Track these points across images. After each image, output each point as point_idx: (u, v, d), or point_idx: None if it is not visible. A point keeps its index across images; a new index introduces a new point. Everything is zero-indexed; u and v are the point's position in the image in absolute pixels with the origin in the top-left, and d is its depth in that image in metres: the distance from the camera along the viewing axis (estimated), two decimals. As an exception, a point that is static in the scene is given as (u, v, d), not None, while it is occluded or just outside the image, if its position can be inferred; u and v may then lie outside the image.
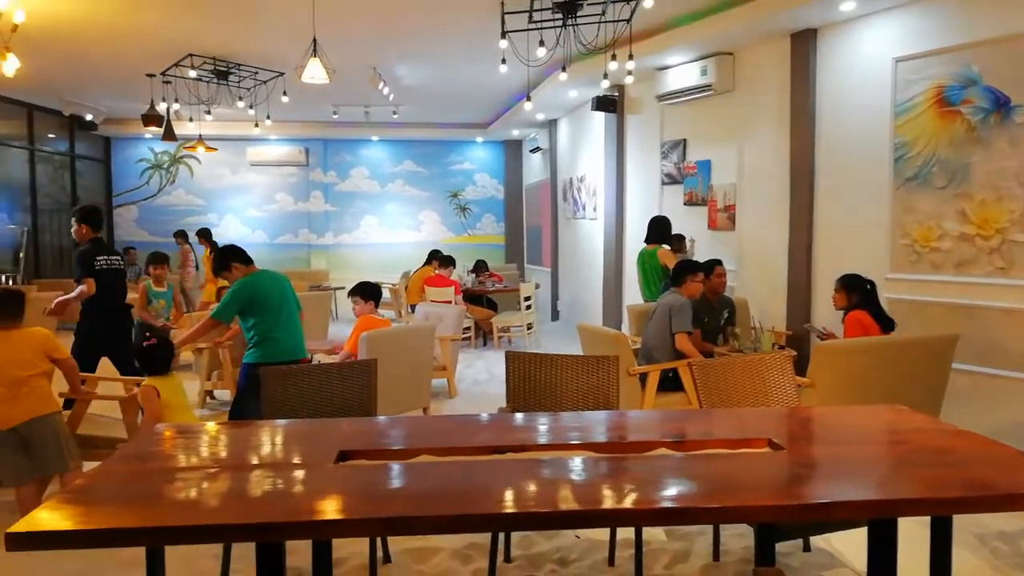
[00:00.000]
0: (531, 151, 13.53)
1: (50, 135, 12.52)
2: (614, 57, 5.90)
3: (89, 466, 4.71)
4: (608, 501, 2.02)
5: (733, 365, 3.50)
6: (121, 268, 5.97)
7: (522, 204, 15.16)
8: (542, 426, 2.77)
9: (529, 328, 9.66)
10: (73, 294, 5.58)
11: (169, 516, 1.94)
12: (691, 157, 7.88)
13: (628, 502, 1.99)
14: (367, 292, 6.07)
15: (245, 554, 3.27)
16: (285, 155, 14.49)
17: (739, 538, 3.66)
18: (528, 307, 9.64)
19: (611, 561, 3.45)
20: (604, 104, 8.86)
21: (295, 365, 4.59)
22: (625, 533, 3.58)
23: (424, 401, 5.96)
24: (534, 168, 14.08)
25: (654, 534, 3.69)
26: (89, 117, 12.20)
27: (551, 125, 12.12)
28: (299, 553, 3.44)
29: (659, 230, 7.05)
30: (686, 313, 5.19)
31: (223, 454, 2.47)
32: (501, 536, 3.42)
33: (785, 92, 6.50)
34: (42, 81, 9.76)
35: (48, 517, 1.90)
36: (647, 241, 7.15)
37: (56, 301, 5.67)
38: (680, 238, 7.15)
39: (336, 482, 2.13)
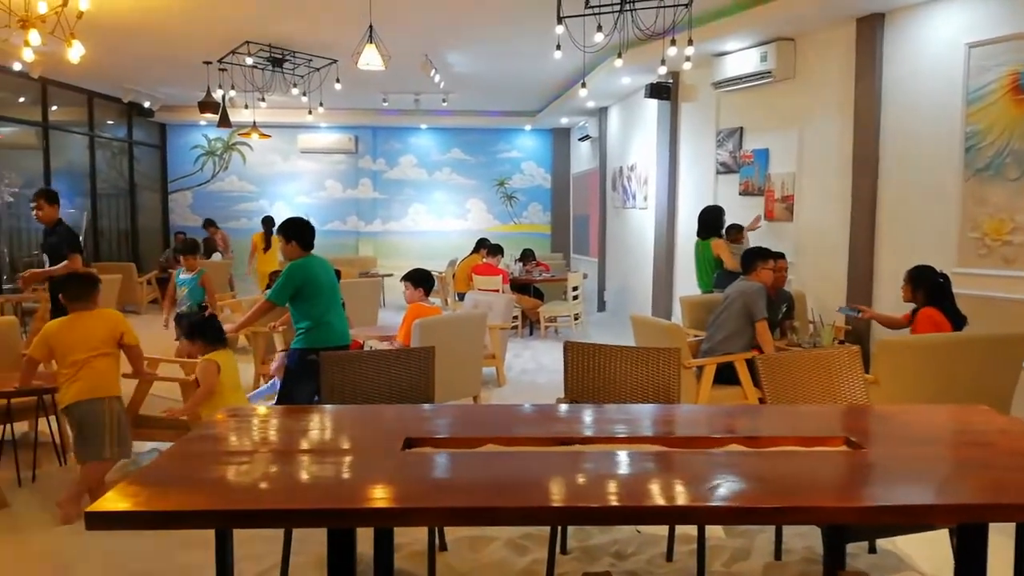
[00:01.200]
0: (580, 139, 13.41)
1: (109, 121, 12.83)
2: (673, 42, 5.77)
3: (141, 447, 4.82)
4: (681, 498, 1.96)
5: (800, 360, 3.40)
6: None
7: (569, 193, 15.05)
8: (609, 418, 2.72)
9: (576, 318, 9.60)
10: (60, 267, 5.65)
11: (238, 500, 1.95)
12: (748, 146, 7.70)
13: (701, 499, 1.94)
14: (418, 279, 6.08)
15: (303, 537, 3.31)
16: (335, 143, 14.62)
17: (800, 537, 3.56)
18: (575, 297, 9.57)
19: (669, 556, 3.39)
20: (658, 91, 8.71)
21: (350, 350, 4.64)
22: (683, 528, 3.52)
23: (475, 389, 5.96)
24: (582, 157, 13.95)
25: (713, 530, 3.61)
26: (147, 104, 12.46)
27: (601, 113, 11.98)
28: (358, 537, 3.47)
29: (708, 224, 6.91)
30: (763, 300, 5.05)
31: (290, 439, 2.48)
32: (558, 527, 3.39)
33: (849, 79, 6.29)
34: (102, 68, 9.98)
35: (123, 498, 1.92)
36: (699, 235, 7.02)
37: (31, 271, 5.90)
38: (737, 228, 6.99)
39: (404, 469, 2.12)
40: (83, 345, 3.78)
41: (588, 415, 2.83)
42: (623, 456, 2.23)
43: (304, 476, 2.07)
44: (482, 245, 10.10)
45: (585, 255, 13.51)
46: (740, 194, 7.74)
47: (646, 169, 9.78)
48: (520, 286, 9.87)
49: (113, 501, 1.88)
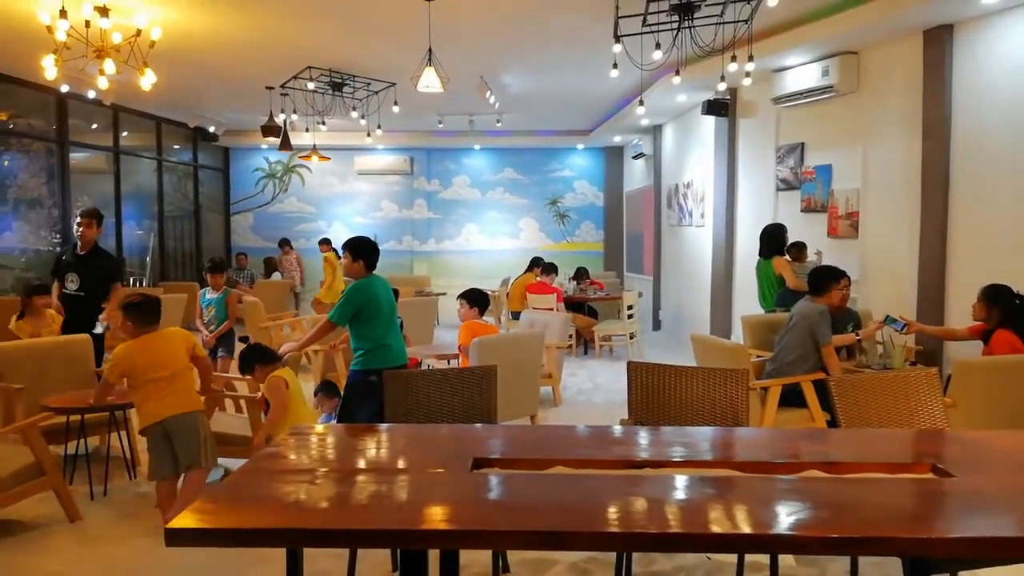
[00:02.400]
0: (633, 157, 13.34)
1: (176, 146, 13.29)
2: (734, 58, 5.70)
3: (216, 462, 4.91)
4: (757, 525, 1.89)
5: (875, 382, 3.28)
6: None
7: (622, 211, 14.97)
8: (678, 441, 2.65)
9: (632, 337, 9.49)
10: (117, 297, 5.46)
11: (311, 519, 1.95)
12: (809, 162, 7.54)
13: (780, 527, 1.86)
14: (474, 298, 6.12)
15: (365, 555, 3.31)
16: (391, 164, 14.87)
17: (876, 566, 3.42)
18: (631, 316, 9.47)
19: (738, 584, 3.29)
20: (715, 108, 8.61)
21: (410, 369, 4.66)
22: (752, 556, 3.41)
23: (532, 408, 5.93)
24: (636, 175, 13.87)
25: (781, 558, 3.49)
26: (211, 129, 12.87)
27: (655, 130, 11.91)
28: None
29: (770, 242, 6.76)
30: (826, 323, 4.88)
31: (359, 458, 2.49)
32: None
33: (916, 92, 6.11)
34: (171, 95, 10.36)
35: (200, 515, 1.95)
36: (760, 254, 6.87)
37: (112, 314, 5.35)
38: (800, 246, 6.82)
39: (474, 490, 2.10)
40: (164, 364, 3.86)
41: (656, 438, 2.77)
42: (696, 481, 2.17)
43: (375, 495, 2.07)
44: (536, 264, 10.09)
45: (639, 273, 13.38)
46: (802, 211, 7.58)
47: (703, 186, 9.66)
48: (574, 305, 9.81)
49: (191, 519, 1.90)
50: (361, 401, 4.48)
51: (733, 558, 3.37)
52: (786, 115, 7.87)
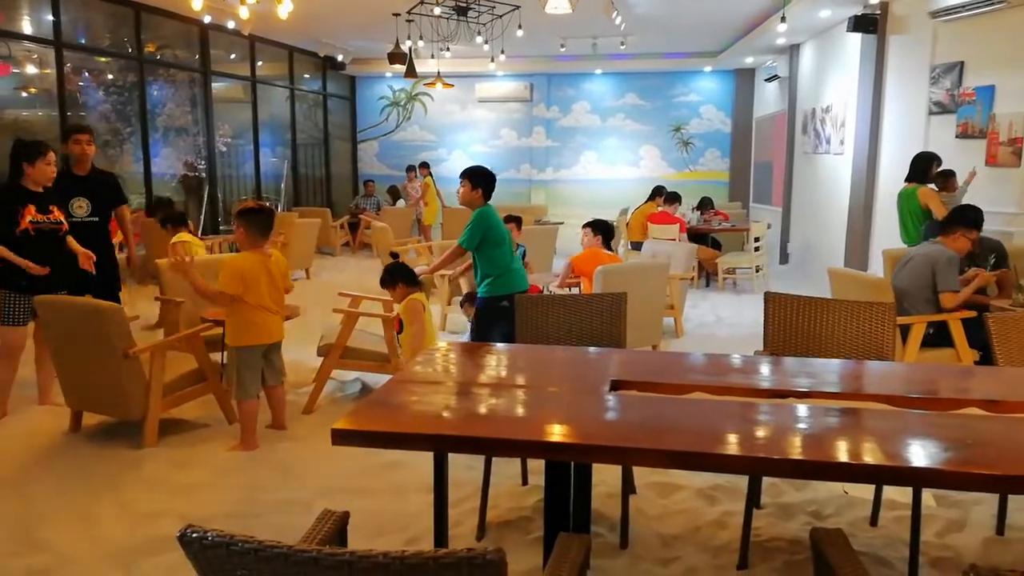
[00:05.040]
0: (766, 80, 12.62)
1: (306, 75, 13.72)
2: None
3: (346, 375, 5.22)
4: (903, 460, 1.83)
5: (1040, 320, 3.05)
6: None
7: (751, 138, 14.28)
8: (825, 373, 2.58)
9: (758, 270, 9.19)
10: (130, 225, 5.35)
11: (460, 427, 2.05)
12: (968, 83, 6.88)
13: (933, 461, 1.79)
14: (599, 227, 6.16)
15: (497, 470, 3.46)
16: (511, 91, 14.76)
17: (1023, 512, 3.25)
18: (758, 248, 9.15)
19: (873, 521, 3.21)
20: (863, 24, 7.94)
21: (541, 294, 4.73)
22: (891, 493, 3.32)
23: (655, 339, 5.90)
24: (768, 99, 13.14)
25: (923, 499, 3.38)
26: (339, 57, 13.17)
27: (792, 51, 11.17)
28: (544, 472, 3.58)
29: (917, 167, 6.28)
30: (953, 270, 4.53)
31: (499, 374, 2.58)
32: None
33: (1107, 0, 5.41)
34: (302, 24, 10.63)
35: (358, 420, 2.09)
36: (906, 179, 6.40)
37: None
38: (947, 175, 6.31)
39: (613, 410, 2.14)
40: (268, 287, 3.94)
41: (801, 368, 2.70)
42: (846, 412, 2.11)
43: (519, 410, 2.15)
44: (658, 193, 9.86)
45: (767, 204, 12.83)
46: (957, 137, 6.96)
47: (843, 111, 9.04)
48: (697, 236, 9.56)
49: (352, 422, 2.05)
50: (492, 325, 4.64)
51: (869, 495, 3.29)
52: (944, 30, 7.17)
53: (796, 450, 1.86)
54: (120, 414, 4.11)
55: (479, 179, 4.70)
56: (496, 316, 4.58)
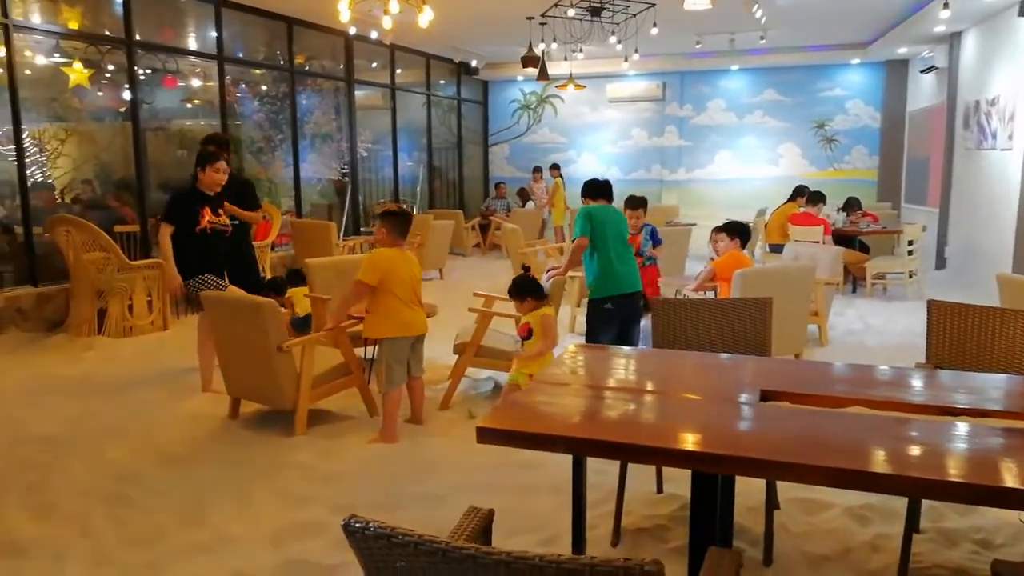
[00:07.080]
0: (921, 71, 11.73)
1: (441, 81, 14.12)
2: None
3: (478, 373, 5.30)
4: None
5: None
6: None
7: (903, 134, 13.33)
8: (1000, 390, 2.36)
9: (911, 276, 8.56)
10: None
11: (602, 432, 2.03)
12: None
13: None
14: (735, 230, 5.94)
15: (633, 477, 3.40)
16: (642, 91, 14.54)
17: None
18: (911, 252, 8.52)
19: (1054, 554, 2.91)
20: (1038, 7, 7.23)
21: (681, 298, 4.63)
22: (1074, 526, 2.99)
23: (798, 347, 5.62)
24: (923, 91, 12.22)
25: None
26: (473, 63, 13.47)
27: (952, 39, 10.32)
28: (678, 481, 3.48)
29: None
30: None
31: (639, 379, 2.53)
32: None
33: None
34: (438, 32, 10.93)
35: (501, 420, 2.11)
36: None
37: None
38: None
39: (767, 421, 2.04)
40: (417, 279, 4.23)
41: (973, 384, 2.48)
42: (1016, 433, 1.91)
43: (665, 417, 2.10)
44: (800, 193, 9.40)
45: (920, 204, 11.93)
46: None
47: (1012, 102, 8.25)
48: (843, 238, 9.03)
49: (496, 421, 2.07)
50: (600, 327, 4.66)
51: (1049, 526, 2.98)
52: None
53: (974, 473, 1.70)
54: (274, 403, 4.38)
55: (586, 190, 5.02)
56: (601, 319, 4.59)
